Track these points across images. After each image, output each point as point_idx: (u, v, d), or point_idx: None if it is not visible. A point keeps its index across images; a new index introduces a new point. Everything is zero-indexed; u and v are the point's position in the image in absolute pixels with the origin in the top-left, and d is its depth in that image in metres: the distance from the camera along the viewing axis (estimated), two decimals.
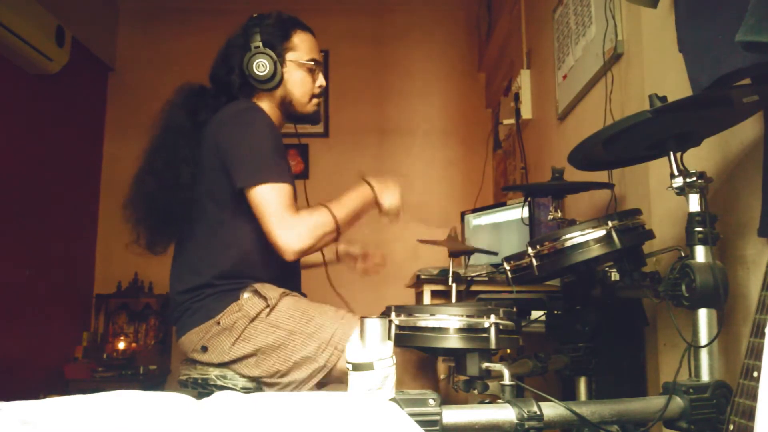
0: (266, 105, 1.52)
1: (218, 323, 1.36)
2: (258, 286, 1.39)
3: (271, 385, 1.37)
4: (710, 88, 1.13)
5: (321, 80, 1.59)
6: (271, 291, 1.39)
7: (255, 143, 1.39)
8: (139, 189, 1.47)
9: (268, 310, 1.37)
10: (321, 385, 1.38)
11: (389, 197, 1.50)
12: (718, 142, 1.26)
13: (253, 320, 1.36)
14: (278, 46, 1.51)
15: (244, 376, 1.38)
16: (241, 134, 1.40)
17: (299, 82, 1.55)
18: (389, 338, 1.01)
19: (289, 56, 1.53)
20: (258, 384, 1.39)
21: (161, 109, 1.51)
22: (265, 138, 1.40)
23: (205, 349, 1.38)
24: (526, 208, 2.29)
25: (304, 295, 1.54)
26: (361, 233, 1.80)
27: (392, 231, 1.80)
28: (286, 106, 1.56)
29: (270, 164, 1.37)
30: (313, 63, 1.56)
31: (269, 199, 1.33)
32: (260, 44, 1.49)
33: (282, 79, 1.52)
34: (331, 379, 1.37)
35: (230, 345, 1.35)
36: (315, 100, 1.60)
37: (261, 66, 1.48)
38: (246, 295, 1.39)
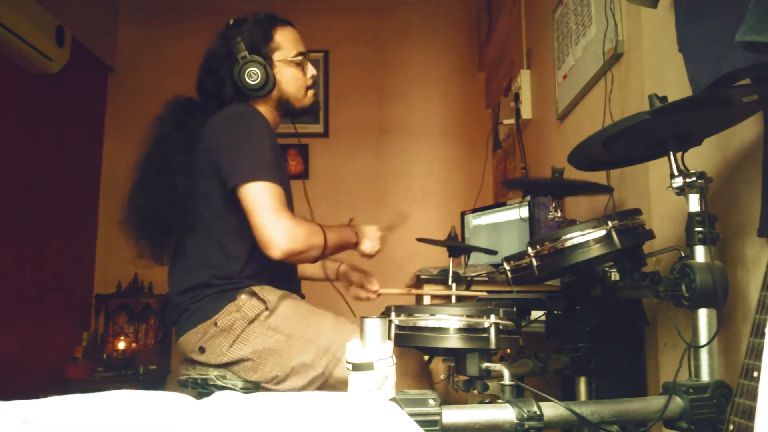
0: (262, 107, 1.50)
1: (216, 324, 1.36)
2: (257, 288, 1.38)
3: (268, 391, 1.37)
4: (710, 88, 1.12)
5: (311, 70, 1.57)
6: (271, 293, 1.38)
7: (250, 143, 1.38)
8: (136, 204, 1.46)
9: (267, 312, 1.36)
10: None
11: (370, 244, 1.52)
12: (718, 142, 1.26)
13: (251, 322, 1.35)
14: (263, 49, 1.49)
15: (242, 379, 1.38)
16: (237, 135, 1.39)
17: (292, 80, 1.53)
18: (389, 338, 1.01)
19: (276, 56, 1.51)
20: (257, 385, 1.39)
21: (151, 124, 1.49)
22: (261, 139, 1.39)
23: (202, 350, 1.38)
24: (526, 208, 2.29)
25: (303, 297, 1.53)
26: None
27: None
28: (284, 105, 1.55)
29: (265, 163, 1.36)
30: (300, 56, 1.54)
31: (264, 195, 1.32)
32: (246, 53, 1.46)
33: (275, 81, 1.50)
34: (327, 387, 1.37)
35: (228, 346, 1.35)
36: (311, 92, 1.58)
37: (253, 75, 1.46)
38: (243, 296, 1.38)
